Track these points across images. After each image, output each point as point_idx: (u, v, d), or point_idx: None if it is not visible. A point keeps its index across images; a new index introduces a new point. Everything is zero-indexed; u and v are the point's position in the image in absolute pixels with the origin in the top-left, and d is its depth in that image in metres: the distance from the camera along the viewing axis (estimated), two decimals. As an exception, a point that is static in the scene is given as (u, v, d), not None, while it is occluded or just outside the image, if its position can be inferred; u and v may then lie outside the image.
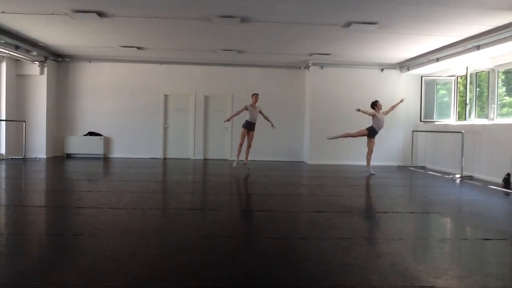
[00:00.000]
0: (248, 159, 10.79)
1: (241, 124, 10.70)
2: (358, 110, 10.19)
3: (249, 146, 10.64)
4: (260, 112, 10.54)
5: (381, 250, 4.02)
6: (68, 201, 6.50)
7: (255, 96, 10.57)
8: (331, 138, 10.57)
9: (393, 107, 10.77)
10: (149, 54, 12.61)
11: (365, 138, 10.57)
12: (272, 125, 10.60)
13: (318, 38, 10.08)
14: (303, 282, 3.17)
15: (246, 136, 10.57)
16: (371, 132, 10.42)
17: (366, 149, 10.65)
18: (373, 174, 10.33)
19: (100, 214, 5.33)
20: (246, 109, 10.46)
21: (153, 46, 11.57)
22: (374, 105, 10.41)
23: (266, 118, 10.57)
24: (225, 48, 11.56)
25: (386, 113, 10.61)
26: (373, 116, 10.32)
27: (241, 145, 10.60)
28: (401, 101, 10.79)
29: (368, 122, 10.54)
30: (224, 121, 11.59)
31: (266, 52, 12.08)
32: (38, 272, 3.27)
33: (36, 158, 12.38)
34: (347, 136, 10.73)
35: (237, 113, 10.63)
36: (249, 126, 10.52)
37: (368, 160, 10.56)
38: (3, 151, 12.14)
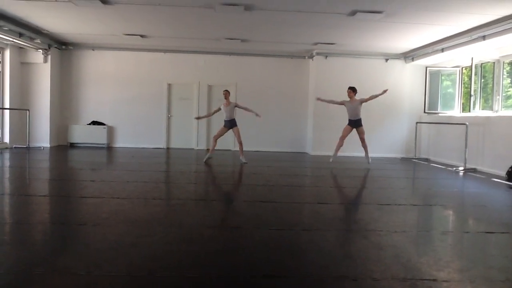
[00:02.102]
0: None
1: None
2: (318, 99, 10.46)
3: (239, 143, 10.26)
4: (237, 106, 10.16)
5: (383, 242, 4.03)
6: (72, 191, 6.53)
7: (224, 93, 10.23)
8: (333, 159, 10.46)
9: (374, 96, 10.12)
10: (153, 42, 12.58)
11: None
12: (256, 114, 10.10)
13: (323, 27, 10.02)
14: (305, 273, 3.18)
15: (234, 134, 10.30)
16: (350, 123, 10.34)
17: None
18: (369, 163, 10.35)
19: (103, 204, 5.35)
20: (220, 109, 10.24)
21: (157, 34, 11.53)
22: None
23: (246, 109, 10.16)
24: (228, 36, 11.51)
25: (366, 100, 10.18)
26: (344, 105, 10.29)
27: (214, 138, 10.35)
28: (384, 91, 10.12)
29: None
30: (195, 118, 11.37)
31: (270, 41, 12.01)
32: (42, 260, 3.28)
33: (40, 147, 12.41)
34: (341, 144, 10.51)
35: (209, 115, 10.90)
36: (226, 124, 10.19)
37: (365, 147, 10.48)
38: (7, 140, 12.17)
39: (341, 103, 10.35)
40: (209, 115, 10.97)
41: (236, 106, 10.18)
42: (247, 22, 9.72)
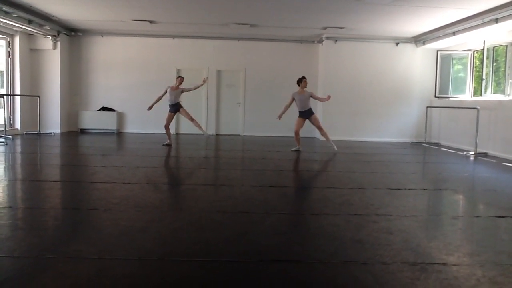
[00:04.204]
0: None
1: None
2: (280, 117, 9.76)
3: (191, 120, 10.34)
4: (183, 91, 10.12)
5: (393, 227, 4.02)
6: (83, 176, 6.58)
7: (179, 79, 10.14)
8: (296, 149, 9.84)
9: (320, 99, 9.93)
10: (161, 28, 12.54)
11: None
12: (204, 80, 10.28)
13: (332, 11, 9.92)
14: (315, 257, 3.19)
15: (183, 115, 10.39)
16: (301, 115, 9.67)
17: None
18: (336, 150, 9.70)
19: (114, 189, 5.39)
20: (166, 92, 10.12)
21: (165, 19, 11.50)
22: (300, 81, 9.62)
23: (195, 88, 10.26)
24: (237, 21, 11.44)
25: (314, 96, 9.64)
26: (294, 98, 9.60)
27: (166, 127, 10.40)
28: (328, 97, 9.70)
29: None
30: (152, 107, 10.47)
31: (279, 26, 11.92)
32: (54, 245, 3.33)
33: (51, 133, 12.51)
34: (297, 136, 9.80)
35: (158, 98, 10.27)
36: (171, 109, 10.26)
37: (324, 135, 9.82)
38: (18, 126, 12.28)
39: (291, 100, 9.65)
40: (158, 99, 10.35)
41: (183, 91, 10.16)
42: (256, 6, 9.65)
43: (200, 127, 10.52)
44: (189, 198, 5.18)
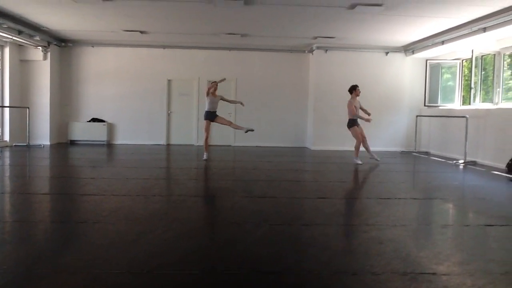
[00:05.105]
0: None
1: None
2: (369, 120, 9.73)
3: (229, 124, 9.95)
4: (222, 99, 9.89)
5: (383, 236, 4.03)
6: (72, 188, 6.54)
7: (214, 84, 9.80)
8: (372, 158, 9.85)
9: (365, 116, 9.74)
10: (152, 38, 12.55)
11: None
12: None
13: (323, 21, 9.99)
14: (306, 267, 3.19)
15: (218, 122, 9.89)
16: (356, 122, 9.70)
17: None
18: (360, 164, 9.53)
19: (103, 201, 5.36)
20: (207, 96, 9.75)
21: (156, 30, 11.50)
22: (353, 89, 9.73)
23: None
24: (228, 31, 11.48)
25: (362, 107, 9.82)
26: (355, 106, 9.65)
27: (207, 138, 9.83)
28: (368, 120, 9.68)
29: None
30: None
31: (270, 36, 11.98)
32: (42, 258, 3.29)
33: (40, 145, 12.42)
34: (367, 147, 9.87)
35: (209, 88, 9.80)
36: (210, 117, 9.74)
37: (358, 149, 9.77)
38: (7, 138, 12.18)
39: (352, 107, 9.67)
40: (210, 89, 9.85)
41: (222, 99, 9.93)
42: (247, 16, 9.69)
43: (239, 127, 10.09)
44: (180, 210, 5.16)
